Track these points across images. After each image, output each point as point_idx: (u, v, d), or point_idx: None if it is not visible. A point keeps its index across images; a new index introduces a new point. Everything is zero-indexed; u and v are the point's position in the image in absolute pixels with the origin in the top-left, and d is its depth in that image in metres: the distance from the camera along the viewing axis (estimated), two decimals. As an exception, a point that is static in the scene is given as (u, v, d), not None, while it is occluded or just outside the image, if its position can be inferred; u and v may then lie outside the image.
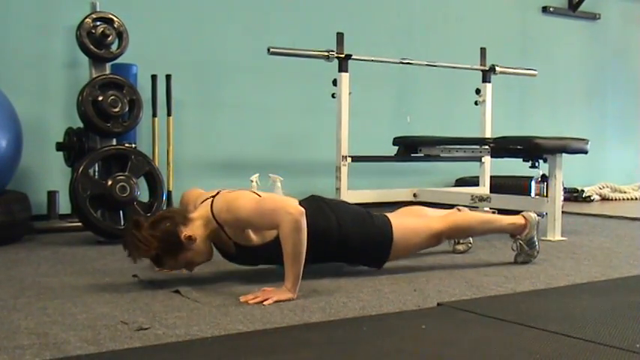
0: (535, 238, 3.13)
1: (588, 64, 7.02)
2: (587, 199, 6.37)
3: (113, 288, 2.56)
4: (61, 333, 1.95)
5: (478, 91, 4.97)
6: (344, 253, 2.82)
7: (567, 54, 6.83)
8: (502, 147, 4.12)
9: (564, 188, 4.94)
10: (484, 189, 4.82)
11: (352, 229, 2.77)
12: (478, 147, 4.51)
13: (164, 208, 3.85)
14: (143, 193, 3.81)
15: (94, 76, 3.78)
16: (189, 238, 2.49)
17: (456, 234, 3.18)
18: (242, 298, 2.34)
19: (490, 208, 4.23)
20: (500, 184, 4.88)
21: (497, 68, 4.95)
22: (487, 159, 4.83)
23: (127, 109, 3.77)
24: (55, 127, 4.21)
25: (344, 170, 4.32)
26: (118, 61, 3.96)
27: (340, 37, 4.35)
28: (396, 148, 4.73)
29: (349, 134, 4.34)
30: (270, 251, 2.54)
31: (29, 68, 4.33)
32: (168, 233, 2.47)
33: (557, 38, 6.73)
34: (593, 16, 6.96)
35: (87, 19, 3.76)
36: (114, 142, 3.85)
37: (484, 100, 4.95)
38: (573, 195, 6.34)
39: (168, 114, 4.48)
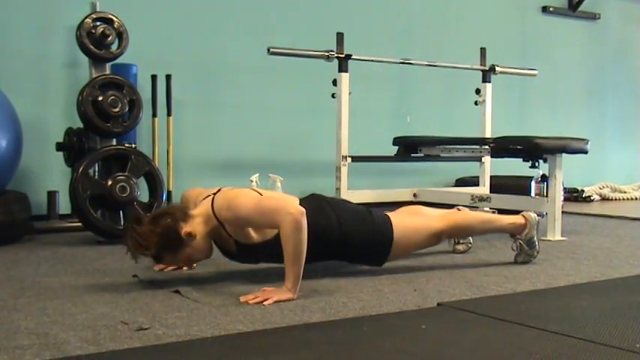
0: (535, 238, 3.13)
1: (588, 64, 7.02)
2: (587, 199, 6.37)
3: (113, 288, 2.56)
4: (61, 333, 1.95)
5: (478, 91, 4.97)
6: (344, 252, 2.82)
7: (567, 54, 6.83)
8: (502, 147, 4.12)
9: (564, 188, 4.94)
10: (484, 189, 4.82)
11: (353, 228, 2.77)
12: (478, 147, 4.51)
13: (164, 208, 3.85)
14: (143, 193, 3.81)
15: (94, 76, 3.78)
16: (189, 234, 2.49)
17: (456, 233, 3.18)
18: (242, 298, 2.34)
19: (490, 208, 4.23)
20: (500, 184, 4.88)
21: (497, 68, 4.94)
22: (487, 159, 4.83)
23: (127, 109, 3.77)
24: (55, 127, 4.21)
25: (344, 170, 4.32)
26: (118, 61, 3.96)
27: (340, 37, 4.35)
28: (396, 148, 4.73)
29: (349, 134, 4.34)
30: (270, 249, 2.53)
31: (29, 68, 4.34)
32: (168, 229, 2.47)
33: (557, 38, 6.73)
34: (593, 16, 6.97)
35: (87, 19, 3.76)
36: (114, 142, 3.84)
37: (484, 100, 4.95)
38: (573, 195, 6.34)
39: (168, 114, 4.48)
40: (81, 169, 3.58)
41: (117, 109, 3.73)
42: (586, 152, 4.00)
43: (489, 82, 4.97)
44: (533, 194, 4.12)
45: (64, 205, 4.17)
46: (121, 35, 3.83)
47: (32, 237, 3.84)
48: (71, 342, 1.87)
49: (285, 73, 5.05)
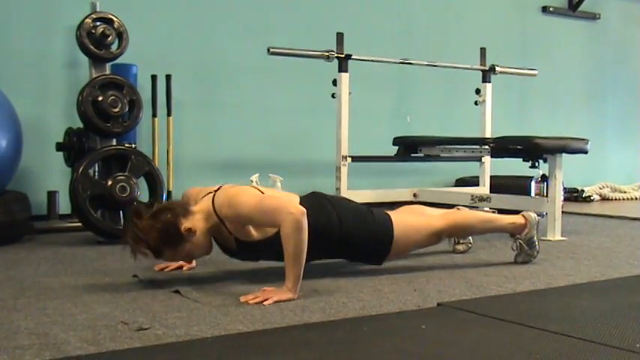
0: (535, 238, 3.13)
1: (588, 64, 7.02)
2: (587, 199, 6.37)
3: (113, 288, 2.56)
4: (61, 333, 1.95)
5: (478, 91, 4.97)
6: (345, 250, 2.83)
7: (567, 54, 6.83)
8: (502, 147, 4.12)
9: (564, 188, 4.94)
10: (484, 189, 4.82)
11: (353, 226, 2.77)
12: (478, 147, 4.51)
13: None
14: (143, 193, 3.80)
15: (94, 76, 3.78)
16: (189, 230, 2.49)
17: (456, 232, 3.18)
18: (242, 298, 2.34)
19: (490, 208, 4.23)
20: (500, 184, 4.88)
21: (497, 68, 4.94)
22: (487, 159, 4.83)
23: (126, 109, 3.77)
24: (55, 127, 4.21)
25: (344, 170, 4.32)
26: (118, 61, 3.96)
27: (340, 37, 4.35)
28: (396, 148, 4.73)
29: (349, 134, 4.34)
30: (271, 246, 2.53)
31: (29, 68, 4.33)
32: (168, 224, 2.47)
33: (557, 38, 6.73)
34: (593, 16, 6.97)
35: (87, 20, 3.76)
36: (114, 142, 3.84)
37: (484, 100, 4.95)
38: (573, 195, 6.34)
39: (168, 114, 4.48)
40: (81, 169, 3.58)
41: (117, 109, 3.73)
42: (586, 152, 4.00)
43: (489, 82, 4.97)
44: (533, 194, 4.13)
45: (64, 205, 4.17)
46: (121, 35, 3.83)
47: (32, 237, 3.84)
48: (71, 342, 1.87)
49: (285, 73, 5.05)
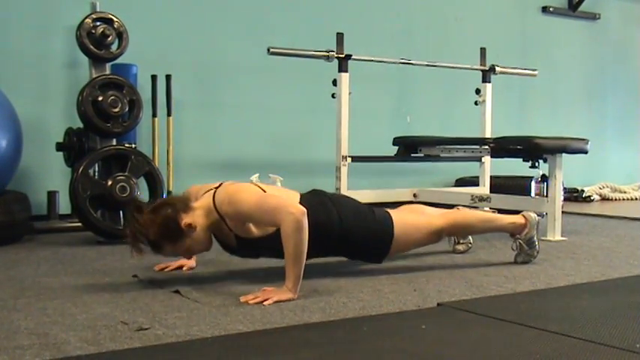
0: (535, 238, 3.13)
1: (588, 64, 7.02)
2: (587, 199, 6.37)
3: (113, 288, 2.56)
4: (61, 333, 1.95)
5: (478, 91, 4.97)
6: (345, 248, 2.83)
7: (567, 54, 6.83)
8: (502, 147, 4.12)
9: (564, 188, 4.94)
10: (484, 189, 4.82)
11: (353, 224, 2.77)
12: (478, 147, 4.51)
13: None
14: (143, 193, 3.80)
15: (94, 76, 3.78)
16: (189, 225, 2.49)
17: (456, 231, 3.18)
18: (242, 298, 2.34)
19: (490, 209, 4.23)
20: (500, 184, 4.88)
21: (497, 68, 4.94)
22: (487, 159, 4.83)
23: (126, 109, 3.77)
24: (55, 127, 4.21)
25: (344, 170, 4.32)
26: (118, 61, 3.96)
27: (340, 37, 4.35)
28: (396, 148, 4.73)
29: (349, 134, 4.34)
30: (271, 243, 2.52)
31: (29, 68, 4.33)
32: (168, 219, 2.47)
33: (557, 38, 6.73)
34: (593, 16, 6.96)
35: (87, 20, 3.76)
36: (114, 142, 3.85)
37: (484, 100, 4.95)
38: (573, 195, 6.34)
39: (168, 114, 4.48)
40: (81, 169, 3.58)
41: (117, 109, 3.73)
42: (586, 152, 4.00)
43: (489, 82, 4.97)
44: (533, 194, 4.13)
45: (64, 205, 4.17)
46: (121, 35, 3.83)
47: (32, 237, 3.84)
48: (71, 342, 1.87)
49: (285, 73, 5.05)
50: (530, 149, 3.91)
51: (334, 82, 4.33)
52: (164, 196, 3.87)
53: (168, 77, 4.47)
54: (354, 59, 4.38)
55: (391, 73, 5.47)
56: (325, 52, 4.31)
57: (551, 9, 6.66)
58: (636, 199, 6.67)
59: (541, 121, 6.42)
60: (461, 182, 5.52)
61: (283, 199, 2.51)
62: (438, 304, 2.33)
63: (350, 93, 4.34)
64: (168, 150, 4.48)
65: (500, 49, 5.72)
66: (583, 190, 6.41)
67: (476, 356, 1.79)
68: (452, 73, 5.28)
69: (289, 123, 5.20)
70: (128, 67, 4.31)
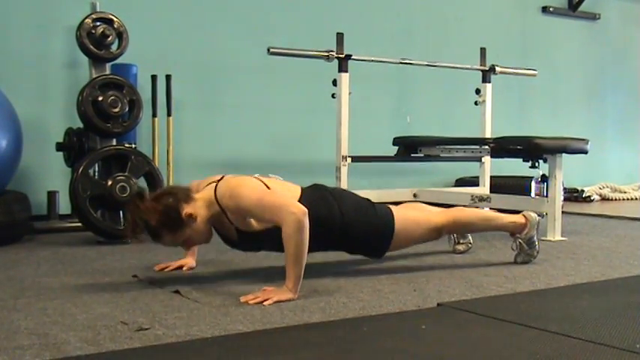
0: (535, 238, 3.13)
1: (588, 64, 7.02)
2: (587, 199, 6.37)
3: (113, 288, 2.56)
4: (61, 333, 1.95)
5: (478, 91, 4.97)
6: (345, 242, 2.83)
7: (567, 54, 6.83)
8: (502, 147, 4.12)
9: (564, 188, 4.94)
10: (484, 189, 4.82)
11: (354, 218, 2.77)
12: (478, 147, 4.51)
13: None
14: (143, 193, 3.80)
15: (94, 76, 3.78)
16: (190, 216, 2.49)
17: (457, 228, 3.18)
18: (242, 298, 2.34)
19: (490, 209, 4.23)
20: (500, 184, 4.88)
21: (497, 68, 4.94)
22: (487, 159, 4.83)
23: (126, 109, 3.78)
24: (55, 127, 4.21)
25: (344, 170, 4.31)
26: (118, 61, 3.96)
27: (340, 37, 4.35)
28: (396, 148, 4.73)
29: (349, 134, 4.34)
30: (272, 237, 2.52)
31: (29, 68, 4.34)
32: (169, 208, 2.47)
33: (557, 38, 6.73)
34: (593, 16, 6.97)
35: (87, 20, 3.76)
36: (114, 142, 3.85)
37: (484, 100, 4.95)
38: (573, 195, 6.34)
39: (168, 114, 4.48)
40: (81, 170, 3.58)
41: (117, 109, 3.73)
42: (586, 152, 4.00)
43: (489, 82, 4.97)
44: (533, 194, 4.13)
45: (64, 205, 4.17)
46: (121, 35, 3.83)
47: (32, 237, 3.84)
48: (71, 342, 1.87)
49: (285, 73, 5.05)
50: (530, 149, 3.91)
51: (334, 82, 4.33)
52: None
53: (168, 77, 4.47)
54: (354, 59, 4.38)
55: (391, 73, 5.47)
56: (325, 52, 4.31)
57: (551, 9, 6.66)
58: (636, 199, 6.68)
59: (541, 121, 6.42)
60: (461, 182, 5.52)
61: (284, 198, 2.50)
62: (438, 304, 2.33)
63: (350, 93, 4.34)
64: (168, 150, 4.48)
65: (500, 49, 5.72)
66: (583, 190, 6.41)
67: (476, 356, 1.79)
68: (452, 73, 5.28)
69: (289, 123, 5.20)
70: (128, 67, 4.31)
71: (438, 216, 3.00)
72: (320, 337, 1.96)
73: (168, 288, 2.52)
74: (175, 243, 2.59)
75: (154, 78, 4.41)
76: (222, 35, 4.95)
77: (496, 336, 1.96)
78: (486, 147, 4.35)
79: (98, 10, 3.90)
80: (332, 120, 4.39)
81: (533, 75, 5.26)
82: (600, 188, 6.60)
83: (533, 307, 2.33)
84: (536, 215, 3.16)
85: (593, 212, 5.44)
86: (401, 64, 4.78)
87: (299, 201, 2.58)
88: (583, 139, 3.99)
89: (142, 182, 3.78)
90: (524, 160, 4.02)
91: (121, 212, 3.69)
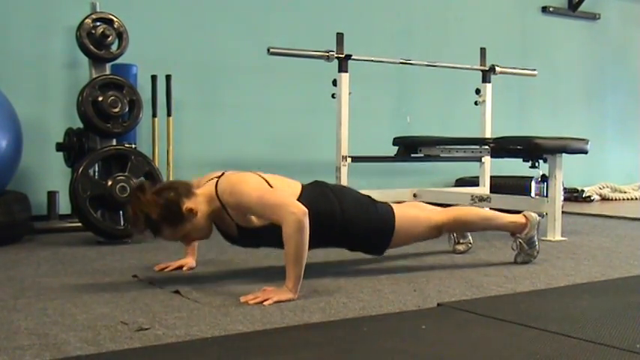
0: (535, 238, 3.13)
1: (588, 64, 7.02)
2: (587, 199, 6.37)
3: (113, 288, 2.56)
4: (61, 333, 1.95)
5: (478, 91, 4.97)
6: (346, 239, 2.83)
7: (567, 54, 6.83)
8: (502, 147, 4.12)
9: (564, 188, 4.94)
10: (484, 189, 4.82)
11: (355, 215, 2.77)
12: (478, 147, 4.51)
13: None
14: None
15: (94, 76, 3.78)
16: (191, 210, 2.50)
17: (457, 227, 3.18)
18: (242, 299, 2.34)
19: (490, 209, 4.23)
20: (500, 184, 4.88)
21: (497, 68, 4.94)
22: (487, 159, 4.83)
23: (126, 109, 3.78)
24: (55, 128, 4.21)
25: (344, 170, 4.32)
26: (118, 61, 3.96)
27: (340, 37, 4.35)
28: (396, 148, 4.73)
29: (349, 134, 4.34)
30: (272, 232, 2.51)
31: (29, 68, 4.34)
32: (170, 202, 2.48)
33: (557, 38, 6.73)
34: (593, 16, 6.97)
35: (87, 20, 3.76)
36: (114, 142, 3.85)
37: (484, 100, 4.95)
38: (573, 195, 6.34)
39: (168, 114, 4.48)
40: (81, 170, 3.58)
41: (117, 110, 3.73)
42: (586, 152, 4.00)
43: (489, 82, 4.97)
44: (533, 194, 4.12)
45: (64, 206, 4.17)
46: (121, 35, 3.83)
47: (32, 237, 3.84)
48: (71, 342, 1.87)
49: (285, 73, 5.05)
50: (530, 149, 3.91)
51: (334, 82, 4.33)
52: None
53: (168, 77, 4.47)
54: (354, 59, 4.38)
55: (391, 73, 5.47)
56: (325, 52, 4.31)
57: (551, 9, 6.66)
58: (636, 199, 6.68)
59: (541, 121, 6.42)
60: (461, 182, 5.52)
61: (285, 198, 2.50)
62: (438, 304, 2.33)
63: (350, 93, 4.34)
64: (168, 150, 4.48)
65: (500, 49, 5.72)
66: (583, 190, 6.41)
67: (476, 356, 1.79)
68: (452, 73, 5.28)
69: (289, 123, 5.20)
70: (128, 67, 4.31)
71: (438, 214, 3.01)
72: (320, 337, 1.96)
73: (168, 288, 2.52)
74: (175, 237, 2.59)
75: (153, 78, 4.41)
76: (222, 35, 4.95)
77: (496, 336, 1.96)
78: (486, 147, 4.35)
79: (98, 10, 3.90)
80: (332, 120, 4.39)
81: (533, 75, 5.26)
82: (600, 188, 6.60)
83: (533, 307, 2.33)
84: (536, 215, 3.16)
85: (593, 212, 5.44)
86: (401, 64, 4.78)
87: (299, 197, 2.59)
88: (583, 139, 4.00)
89: (142, 182, 3.78)
90: (524, 160, 4.02)
91: (121, 212, 3.69)
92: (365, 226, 2.80)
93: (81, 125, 3.82)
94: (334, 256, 3.14)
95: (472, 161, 4.93)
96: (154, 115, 4.42)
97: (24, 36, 4.32)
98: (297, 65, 4.77)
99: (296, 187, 2.70)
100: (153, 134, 4.44)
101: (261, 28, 5.02)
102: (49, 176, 4.32)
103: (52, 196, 4.24)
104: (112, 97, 3.72)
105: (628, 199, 6.64)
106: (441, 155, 4.67)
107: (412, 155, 4.70)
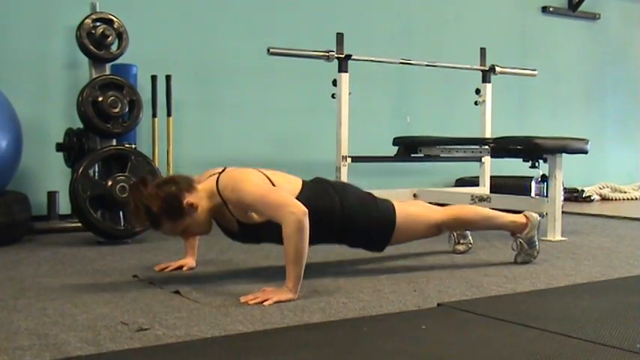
0: (535, 238, 3.13)
1: (588, 64, 7.02)
2: (587, 199, 6.37)
3: (113, 288, 2.56)
4: (61, 334, 1.95)
5: (478, 91, 4.97)
6: (346, 235, 2.83)
7: (567, 54, 6.83)
8: (502, 147, 4.12)
9: (564, 188, 4.94)
10: (484, 189, 4.82)
11: (355, 211, 2.77)
12: (478, 147, 4.51)
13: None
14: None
15: (94, 76, 3.78)
16: (191, 205, 2.50)
17: (457, 225, 3.18)
18: (242, 299, 2.34)
19: (491, 209, 4.23)
20: (500, 184, 4.88)
21: (497, 68, 4.94)
22: (487, 159, 4.83)
23: (126, 109, 3.78)
24: (55, 128, 4.21)
25: (344, 170, 4.32)
26: (118, 61, 3.96)
27: (340, 37, 4.35)
28: (396, 148, 4.73)
29: (349, 134, 4.34)
30: (272, 228, 2.51)
31: (29, 68, 4.34)
32: (171, 196, 2.48)
33: (557, 38, 6.73)
34: (593, 16, 6.96)
35: (87, 20, 3.76)
36: (114, 142, 3.85)
37: (484, 100, 4.95)
38: (573, 195, 6.34)
39: (168, 114, 4.48)
40: (81, 170, 3.58)
41: (117, 110, 3.73)
42: (586, 152, 4.00)
43: (489, 82, 4.97)
44: (533, 194, 4.12)
45: (64, 206, 4.17)
46: (120, 35, 3.83)
47: (32, 237, 3.84)
48: (71, 343, 1.87)
49: (285, 73, 5.05)
50: (530, 149, 3.91)
51: (334, 82, 4.33)
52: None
53: (168, 77, 4.47)
54: (354, 59, 4.38)
55: (391, 73, 5.47)
56: (325, 52, 4.31)
57: (551, 9, 6.66)
58: (636, 199, 6.67)
59: (541, 121, 6.42)
60: (461, 182, 5.52)
61: (286, 197, 2.50)
62: (438, 304, 2.33)
63: (350, 93, 4.34)
64: (168, 150, 4.48)
65: (500, 49, 5.72)
66: (583, 190, 6.41)
67: (476, 356, 1.79)
68: (452, 73, 5.28)
69: (289, 123, 5.20)
70: (128, 67, 4.31)
71: (438, 212, 3.01)
72: (320, 338, 1.96)
73: (169, 288, 2.52)
74: (175, 232, 2.59)
75: (153, 78, 4.41)
76: (222, 35, 4.95)
77: (496, 336, 1.96)
78: (486, 147, 4.35)
79: (98, 10, 3.90)
80: (332, 120, 4.39)
81: (533, 75, 5.26)
82: (600, 188, 6.60)
83: (533, 307, 2.34)
84: (537, 215, 3.16)
85: (593, 212, 5.44)
86: (401, 64, 4.78)
87: (300, 193, 2.59)
88: (583, 139, 4.00)
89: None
90: (524, 160, 4.02)
91: (121, 212, 3.69)
92: (366, 222, 2.80)
93: (81, 125, 3.82)
94: (334, 256, 3.15)
95: (472, 161, 4.93)
96: (154, 115, 4.43)
97: (24, 36, 4.32)
98: (297, 65, 4.77)
99: (297, 184, 2.71)
100: (153, 134, 4.44)
101: (261, 28, 5.02)
102: (49, 176, 4.32)
103: (52, 196, 4.24)
104: (112, 98, 3.72)
105: (628, 199, 6.64)
106: (441, 155, 4.67)
107: (412, 155, 4.70)
